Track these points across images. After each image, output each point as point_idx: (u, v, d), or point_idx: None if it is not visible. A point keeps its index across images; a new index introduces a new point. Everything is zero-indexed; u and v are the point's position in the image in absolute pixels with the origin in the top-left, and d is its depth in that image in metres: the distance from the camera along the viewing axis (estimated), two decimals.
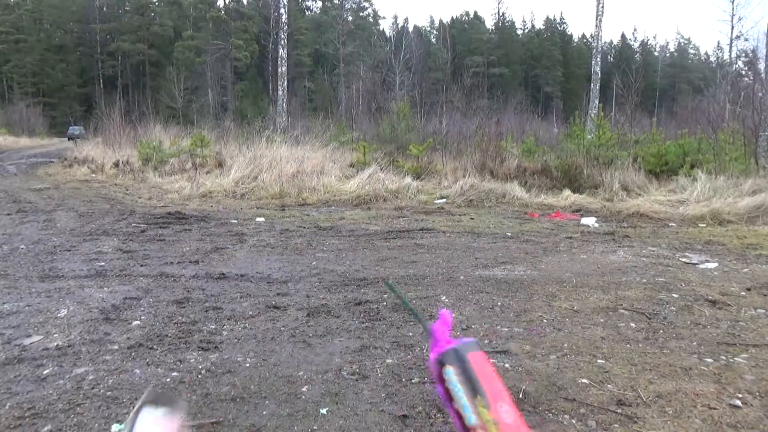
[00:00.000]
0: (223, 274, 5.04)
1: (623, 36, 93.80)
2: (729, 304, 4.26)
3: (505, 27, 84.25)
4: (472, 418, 0.35)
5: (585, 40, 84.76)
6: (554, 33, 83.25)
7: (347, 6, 75.52)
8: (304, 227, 7.77)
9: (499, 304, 4.26)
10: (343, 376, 2.97)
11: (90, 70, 66.36)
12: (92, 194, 11.15)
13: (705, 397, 2.73)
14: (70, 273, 4.99)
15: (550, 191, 11.30)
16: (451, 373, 0.36)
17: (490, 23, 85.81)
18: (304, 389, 2.82)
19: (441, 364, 0.38)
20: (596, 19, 22.10)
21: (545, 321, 3.88)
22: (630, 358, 3.24)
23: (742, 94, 16.68)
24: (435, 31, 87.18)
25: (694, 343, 3.47)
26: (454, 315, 3.98)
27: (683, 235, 7.50)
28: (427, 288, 4.69)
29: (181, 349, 3.29)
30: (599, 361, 3.20)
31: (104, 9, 68.36)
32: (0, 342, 3.35)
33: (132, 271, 5.09)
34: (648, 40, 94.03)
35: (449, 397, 0.38)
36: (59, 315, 3.85)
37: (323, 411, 2.60)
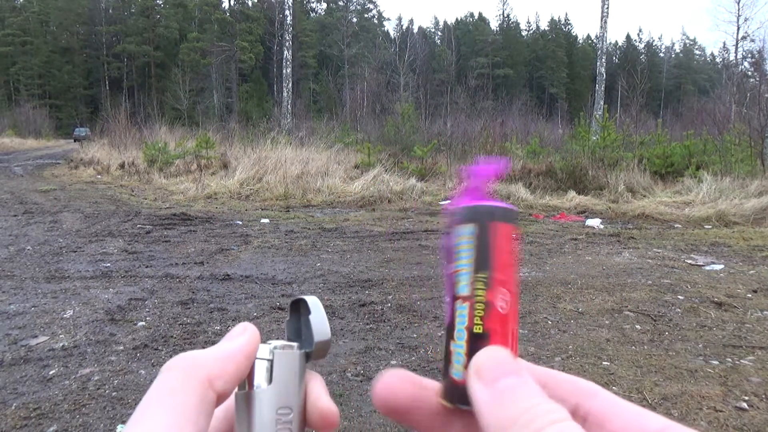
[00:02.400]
0: (227, 275, 5.05)
1: (628, 37, 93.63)
2: (735, 306, 4.24)
3: (509, 28, 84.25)
4: (465, 289, 0.30)
5: (590, 41, 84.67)
6: (559, 34, 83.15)
7: (352, 7, 75.66)
8: (309, 228, 7.78)
9: None
10: (348, 377, 2.97)
11: (96, 71, 66.72)
12: (98, 195, 11.20)
13: (711, 399, 2.72)
14: (75, 274, 5.01)
15: (555, 192, 11.28)
16: (468, 232, 0.31)
17: (494, 24, 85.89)
18: None
19: (463, 217, 0.31)
20: (601, 20, 22.06)
21: (550, 322, 3.87)
22: (635, 360, 3.22)
23: (748, 95, 16.62)
24: (439, 33, 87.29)
25: (700, 345, 3.46)
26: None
27: (689, 236, 7.47)
28: (432, 289, 4.68)
29: (186, 350, 3.28)
30: (604, 362, 3.19)
31: (110, 11, 68.76)
32: (6, 342, 3.37)
33: (137, 272, 5.10)
34: (653, 40, 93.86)
35: (450, 256, 0.32)
36: (65, 316, 3.87)
37: None
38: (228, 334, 0.32)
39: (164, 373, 0.28)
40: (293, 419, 0.32)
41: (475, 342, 0.30)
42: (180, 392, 0.27)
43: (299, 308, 0.37)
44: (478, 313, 0.30)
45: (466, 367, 0.30)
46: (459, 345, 0.31)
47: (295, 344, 0.34)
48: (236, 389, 0.32)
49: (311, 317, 0.35)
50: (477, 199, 0.32)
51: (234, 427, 0.32)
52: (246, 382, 0.32)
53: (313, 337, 0.34)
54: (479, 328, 0.30)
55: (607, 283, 4.91)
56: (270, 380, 0.32)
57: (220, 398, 0.29)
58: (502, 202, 0.32)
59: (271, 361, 0.32)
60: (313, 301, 0.36)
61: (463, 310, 0.31)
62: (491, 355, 0.29)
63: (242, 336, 0.32)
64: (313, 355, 0.34)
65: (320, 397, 0.33)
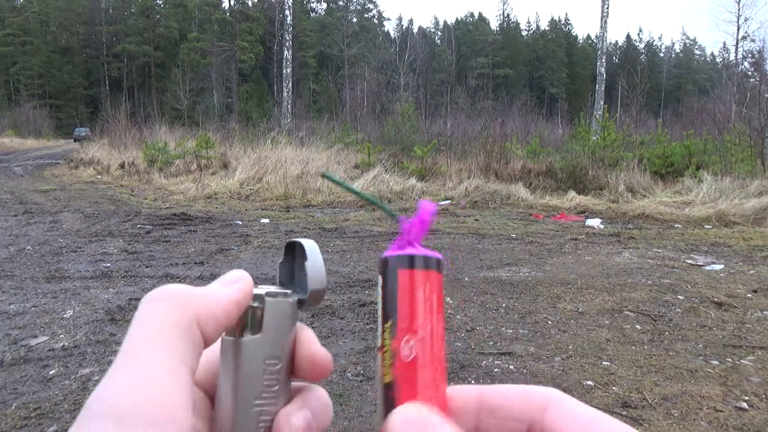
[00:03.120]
0: None
1: (628, 37, 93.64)
2: (735, 306, 4.24)
3: (509, 28, 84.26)
4: (378, 339, 0.30)
5: (590, 41, 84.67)
6: (559, 34, 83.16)
7: (352, 7, 75.67)
8: (309, 228, 7.78)
9: (503, 305, 4.25)
10: (348, 378, 2.97)
11: (96, 71, 66.73)
12: (98, 195, 11.20)
13: (711, 399, 2.72)
14: (75, 274, 5.01)
15: (555, 192, 11.29)
16: (379, 284, 0.31)
17: (494, 24, 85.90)
18: None
19: (379, 270, 0.31)
20: (601, 20, 22.06)
21: (550, 322, 3.87)
22: (635, 360, 3.22)
23: (748, 95, 16.62)
24: (440, 33, 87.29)
25: (700, 345, 3.46)
26: (459, 316, 3.98)
27: (689, 236, 7.47)
28: None
29: None
30: (604, 362, 3.19)
31: (110, 11, 68.78)
32: (6, 342, 3.37)
33: (137, 272, 5.10)
34: (653, 40, 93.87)
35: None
36: (65, 316, 3.87)
37: None
38: (222, 278, 0.31)
39: (149, 304, 0.27)
40: (280, 369, 0.31)
41: (386, 392, 0.29)
42: (172, 332, 0.26)
43: (294, 251, 0.35)
44: (387, 362, 0.30)
45: (382, 419, 0.29)
46: (378, 398, 0.30)
47: (288, 291, 0.32)
48: (223, 335, 0.30)
49: (307, 264, 0.34)
50: (392, 250, 0.31)
51: (217, 374, 0.31)
52: (234, 328, 0.30)
53: (307, 285, 0.33)
54: (388, 378, 0.29)
55: (607, 283, 4.91)
56: (260, 329, 0.30)
57: (206, 342, 0.28)
58: (424, 249, 0.31)
59: (263, 309, 0.31)
60: (310, 246, 0.34)
61: (378, 362, 0.30)
62: (400, 416, 0.28)
63: (237, 284, 0.30)
64: (306, 303, 0.33)
65: (311, 343, 0.32)
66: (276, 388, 0.31)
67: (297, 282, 0.34)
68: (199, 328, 0.27)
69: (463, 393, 0.30)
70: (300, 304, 0.33)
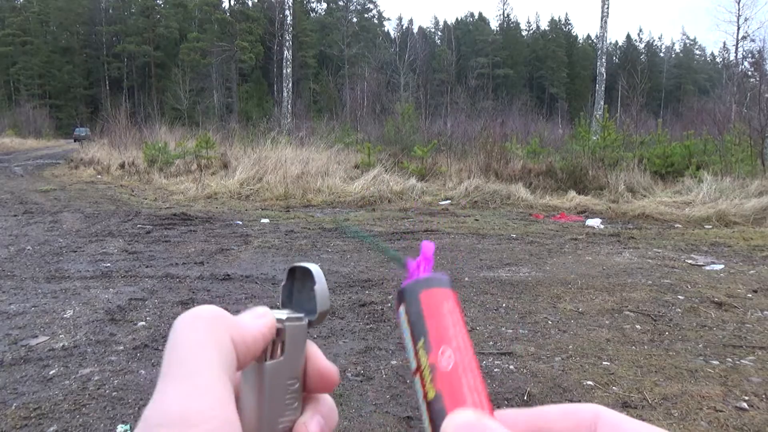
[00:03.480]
0: (227, 275, 5.05)
1: (628, 37, 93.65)
2: (735, 306, 4.24)
3: (509, 28, 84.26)
4: (413, 364, 0.31)
5: (590, 41, 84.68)
6: (559, 34, 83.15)
7: (352, 7, 75.67)
8: (309, 228, 7.78)
9: (503, 305, 4.25)
10: (348, 378, 2.97)
11: (96, 71, 66.71)
12: (98, 195, 11.20)
13: (711, 399, 2.72)
14: (76, 274, 5.01)
15: (555, 192, 11.28)
16: (402, 313, 0.32)
17: (494, 24, 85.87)
18: None
19: (398, 302, 0.33)
20: (601, 20, 22.07)
21: (550, 322, 3.87)
22: (635, 359, 3.22)
23: (749, 95, 16.62)
24: (440, 33, 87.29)
25: (700, 345, 3.46)
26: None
27: (689, 236, 7.47)
28: None
29: None
30: (604, 362, 3.19)
31: (110, 11, 68.74)
32: (6, 342, 3.37)
33: (137, 272, 5.10)
34: (653, 40, 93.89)
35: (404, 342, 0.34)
36: (65, 316, 3.87)
37: None
38: (250, 312, 0.33)
39: (190, 321, 0.29)
40: (298, 388, 0.33)
41: (433, 407, 0.30)
42: (215, 347, 0.28)
43: (294, 274, 0.37)
44: (427, 379, 0.30)
45: None
46: (424, 419, 0.30)
47: (301, 315, 0.34)
48: None
49: (316, 287, 0.36)
50: (408, 281, 0.34)
51: (239, 398, 0.32)
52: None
53: (316, 307, 0.35)
54: (432, 393, 0.30)
55: (607, 283, 4.91)
56: (281, 353, 0.33)
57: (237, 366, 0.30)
58: (428, 272, 0.34)
59: (284, 334, 0.33)
60: (317, 271, 0.37)
61: (416, 385, 0.31)
62: (453, 422, 0.28)
63: (263, 318, 0.32)
64: (314, 323, 0.35)
65: (319, 359, 0.34)
66: (296, 404, 0.33)
67: (296, 303, 0.37)
68: (235, 348, 0.29)
69: (509, 418, 0.30)
70: (308, 324, 0.35)
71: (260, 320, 0.32)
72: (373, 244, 0.39)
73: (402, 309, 0.33)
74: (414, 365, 0.31)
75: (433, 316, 0.32)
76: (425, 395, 0.30)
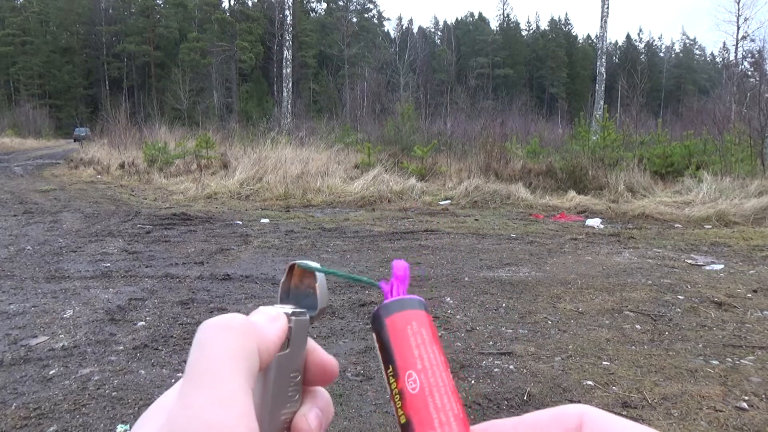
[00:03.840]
0: (227, 275, 5.05)
1: (628, 37, 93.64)
2: (735, 306, 4.24)
3: (509, 28, 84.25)
4: (388, 390, 0.32)
5: (590, 41, 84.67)
6: (559, 34, 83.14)
7: (352, 7, 75.66)
8: (309, 228, 7.78)
9: (503, 305, 4.25)
10: (348, 378, 2.97)
11: (96, 71, 66.69)
12: (98, 195, 11.20)
13: (711, 399, 2.72)
14: (75, 274, 5.01)
15: (555, 192, 11.28)
16: (375, 340, 0.33)
17: (494, 24, 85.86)
18: None
19: (372, 330, 0.34)
20: (601, 20, 22.06)
21: (550, 322, 3.87)
22: (635, 359, 3.22)
23: (748, 95, 16.62)
24: (439, 33, 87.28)
25: (700, 345, 3.46)
26: (459, 316, 3.98)
27: (689, 236, 7.47)
28: (432, 289, 4.68)
29: (186, 350, 3.29)
30: (604, 362, 3.19)
31: (110, 11, 68.71)
32: (6, 342, 3.37)
33: (137, 272, 5.10)
34: (653, 40, 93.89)
35: None
36: (65, 316, 3.87)
37: None
38: (267, 315, 0.34)
39: (218, 330, 0.29)
40: (300, 380, 0.35)
41: None
42: (241, 356, 0.29)
43: (293, 271, 0.39)
44: (398, 404, 0.31)
45: None
46: None
47: (304, 310, 0.36)
48: None
49: (318, 285, 0.37)
50: (375, 309, 0.35)
51: None
52: None
53: (317, 303, 0.37)
54: (403, 419, 0.31)
55: (607, 283, 4.91)
56: (287, 347, 0.33)
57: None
58: (400, 294, 0.35)
59: (290, 328, 0.34)
60: (317, 269, 0.38)
61: (393, 411, 0.32)
62: None
63: (278, 321, 0.33)
64: (314, 318, 0.36)
65: (319, 352, 0.36)
66: (297, 397, 0.35)
67: (293, 299, 0.38)
68: (258, 355, 0.31)
69: (497, 427, 0.31)
70: (310, 320, 0.36)
71: (276, 324, 0.33)
72: (342, 276, 0.39)
73: (374, 337, 0.34)
74: (389, 392, 0.32)
75: (398, 341, 0.32)
76: (399, 421, 0.31)
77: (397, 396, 0.31)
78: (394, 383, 0.32)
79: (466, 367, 3.13)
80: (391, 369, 0.32)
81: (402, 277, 0.35)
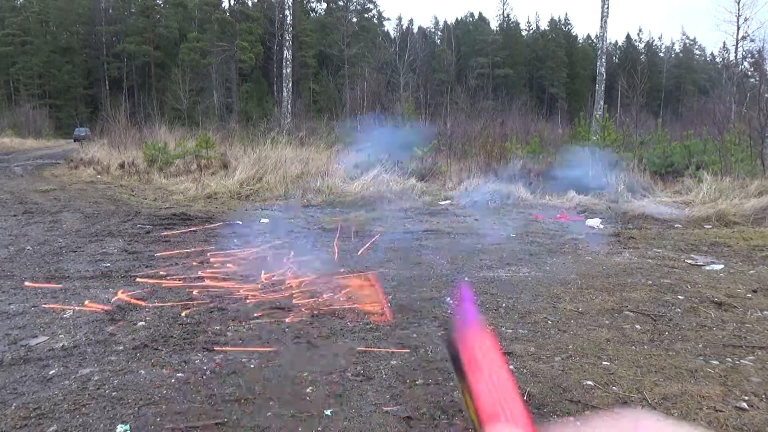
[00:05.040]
0: (227, 275, 5.05)
1: (628, 37, 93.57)
2: (735, 306, 4.24)
3: (509, 28, 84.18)
4: (463, 405, 0.38)
5: (590, 41, 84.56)
6: (559, 34, 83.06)
7: (352, 7, 75.61)
8: (309, 228, 7.78)
9: (503, 305, 4.25)
10: (348, 378, 2.97)
11: (96, 71, 66.63)
12: (98, 195, 11.19)
13: (711, 399, 2.72)
14: (75, 274, 5.01)
15: (555, 192, 11.28)
16: (449, 359, 0.41)
17: (494, 24, 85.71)
18: (308, 390, 2.82)
19: (446, 350, 0.42)
20: (601, 20, 22.06)
21: (550, 322, 3.87)
22: (635, 359, 3.22)
23: (748, 95, 16.63)
24: (439, 33, 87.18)
25: (700, 345, 3.46)
26: (457, 317, 3.97)
27: (689, 236, 7.47)
28: (432, 289, 4.68)
29: (186, 350, 3.30)
30: (604, 362, 3.19)
31: (110, 11, 68.66)
32: (6, 342, 3.37)
33: (137, 272, 5.10)
34: (653, 40, 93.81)
35: None
36: (65, 316, 3.87)
37: (328, 412, 2.60)
38: None
39: None
40: None
41: None
42: None
43: None
44: (473, 416, 0.36)
45: None
46: None
47: None
48: None
49: None
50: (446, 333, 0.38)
51: None
52: None
53: None
54: (478, 428, 0.36)
55: (607, 283, 4.91)
56: None
57: None
58: (468, 316, 0.41)
59: None
60: None
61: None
62: None
63: None
64: None
65: None
66: None
67: None
68: None
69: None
70: None
71: None
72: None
73: (448, 355, 0.40)
74: (463, 406, 0.38)
75: (467, 358, 0.37)
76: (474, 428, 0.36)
77: (472, 409, 0.38)
78: (469, 398, 0.38)
79: None
80: (465, 384, 0.38)
81: (468, 299, 0.43)
